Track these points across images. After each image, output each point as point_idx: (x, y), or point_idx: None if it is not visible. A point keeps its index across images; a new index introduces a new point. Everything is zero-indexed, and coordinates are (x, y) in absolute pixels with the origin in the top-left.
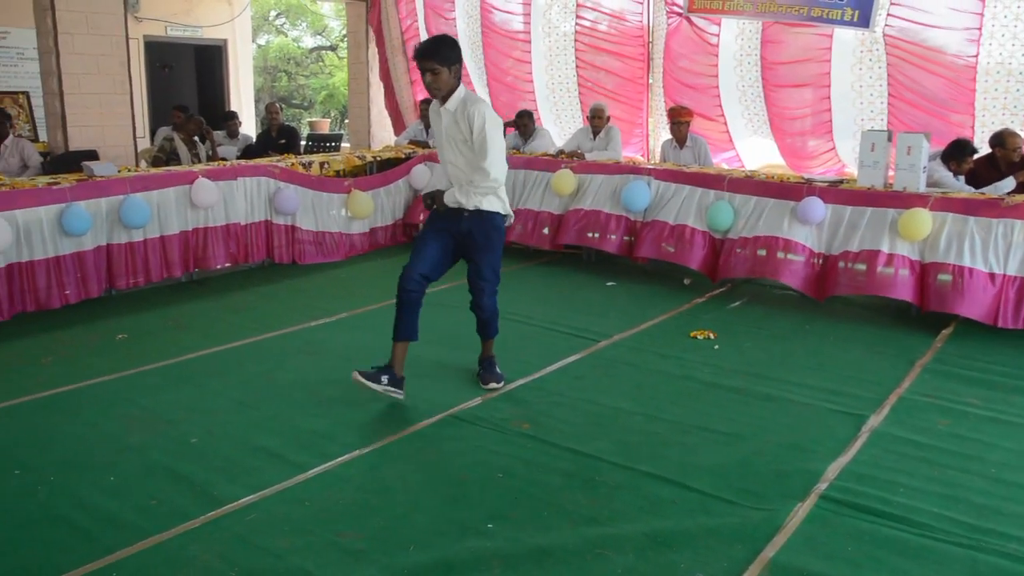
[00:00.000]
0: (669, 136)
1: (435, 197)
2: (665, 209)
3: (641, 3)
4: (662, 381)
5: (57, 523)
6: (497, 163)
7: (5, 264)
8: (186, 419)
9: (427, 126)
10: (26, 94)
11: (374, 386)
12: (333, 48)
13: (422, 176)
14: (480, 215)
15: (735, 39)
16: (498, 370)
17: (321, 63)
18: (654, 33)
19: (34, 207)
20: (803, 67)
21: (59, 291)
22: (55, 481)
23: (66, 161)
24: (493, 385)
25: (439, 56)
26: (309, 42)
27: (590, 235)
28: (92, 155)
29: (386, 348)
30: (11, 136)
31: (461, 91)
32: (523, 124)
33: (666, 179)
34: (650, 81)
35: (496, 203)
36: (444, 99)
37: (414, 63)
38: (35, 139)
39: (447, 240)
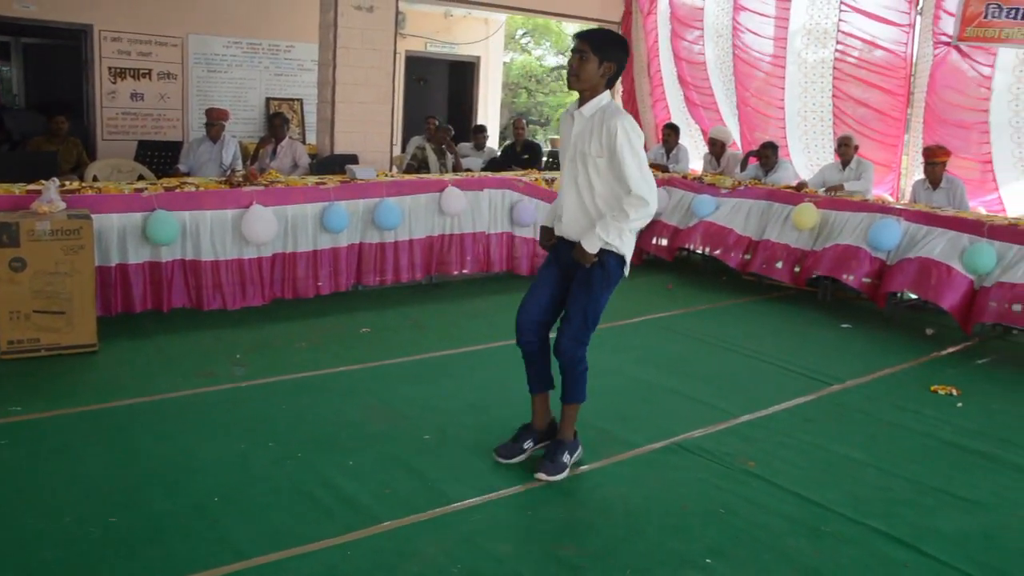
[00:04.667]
0: (922, 176)
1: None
2: (914, 251)
3: (907, 32)
4: (898, 434)
5: (302, 496)
6: (648, 183)
7: (271, 253)
8: (421, 415)
9: (668, 150)
10: (300, 101)
11: (518, 458)
12: None
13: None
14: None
15: (1012, 70)
16: (564, 459)
17: (560, 82)
18: (918, 65)
19: (301, 203)
20: None
21: (313, 282)
22: (302, 457)
23: (331, 163)
24: (542, 476)
25: (596, 42)
26: (551, 61)
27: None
28: (353, 159)
29: (623, 367)
30: (287, 138)
31: (604, 98)
32: (766, 155)
33: (918, 221)
34: (907, 116)
35: (621, 243)
36: (582, 100)
37: (657, 85)
38: (303, 142)
39: (556, 274)
